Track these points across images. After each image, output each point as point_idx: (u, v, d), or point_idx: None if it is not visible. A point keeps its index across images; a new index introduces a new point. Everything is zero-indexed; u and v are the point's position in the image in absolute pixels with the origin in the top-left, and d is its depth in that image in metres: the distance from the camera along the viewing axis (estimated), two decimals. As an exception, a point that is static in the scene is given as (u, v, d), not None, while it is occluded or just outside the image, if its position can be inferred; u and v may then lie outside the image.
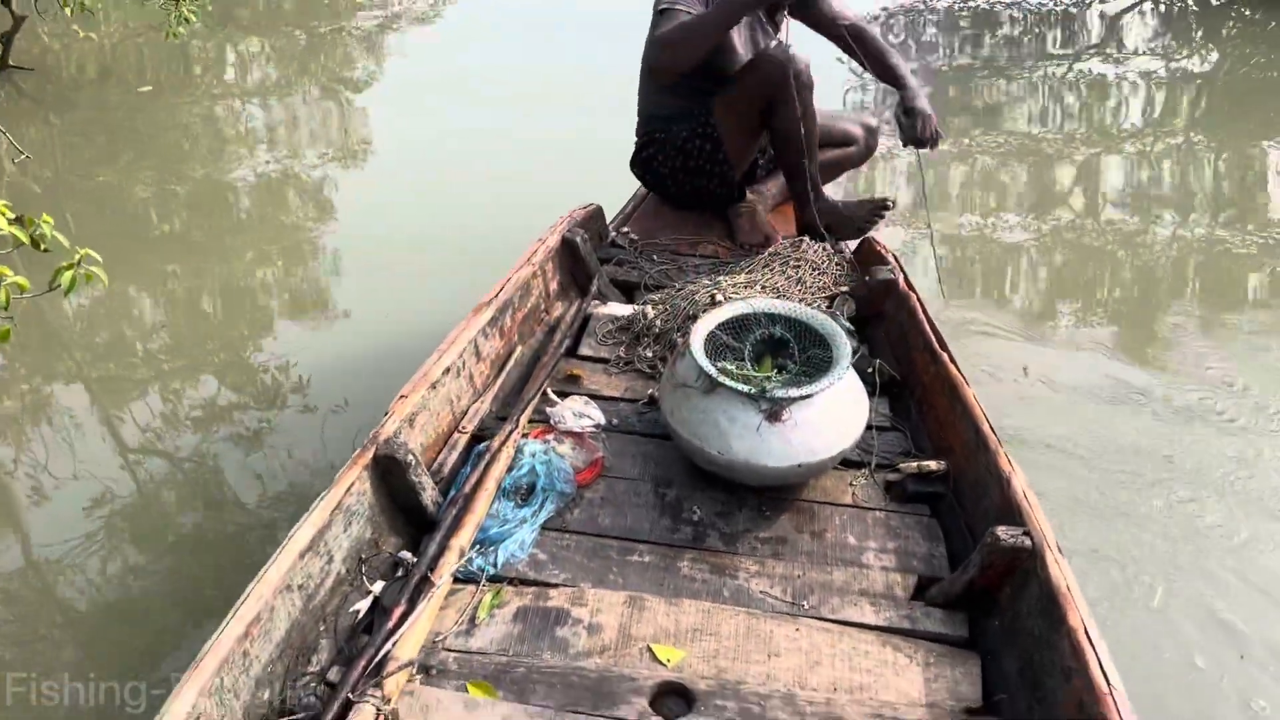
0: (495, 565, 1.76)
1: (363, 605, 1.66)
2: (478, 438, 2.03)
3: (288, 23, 6.52)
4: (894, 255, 2.61)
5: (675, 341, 2.31)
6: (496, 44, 6.09)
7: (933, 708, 1.55)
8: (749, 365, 1.98)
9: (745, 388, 1.85)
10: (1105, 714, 1.33)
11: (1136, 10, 5.68)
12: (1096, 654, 1.41)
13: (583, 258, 2.58)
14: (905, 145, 2.63)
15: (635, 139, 2.95)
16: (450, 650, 1.61)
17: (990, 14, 5.60)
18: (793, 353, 2.01)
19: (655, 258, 2.78)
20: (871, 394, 2.09)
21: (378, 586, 1.70)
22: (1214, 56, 5.23)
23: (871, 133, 3.04)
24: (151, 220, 4.09)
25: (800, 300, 2.41)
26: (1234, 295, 3.39)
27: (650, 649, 1.63)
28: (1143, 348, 3.15)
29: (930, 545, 1.88)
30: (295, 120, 5.17)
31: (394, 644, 1.55)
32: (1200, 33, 5.60)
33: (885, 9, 5.38)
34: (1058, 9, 5.73)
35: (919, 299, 2.38)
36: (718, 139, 2.74)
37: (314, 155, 4.73)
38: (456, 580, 1.72)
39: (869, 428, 2.08)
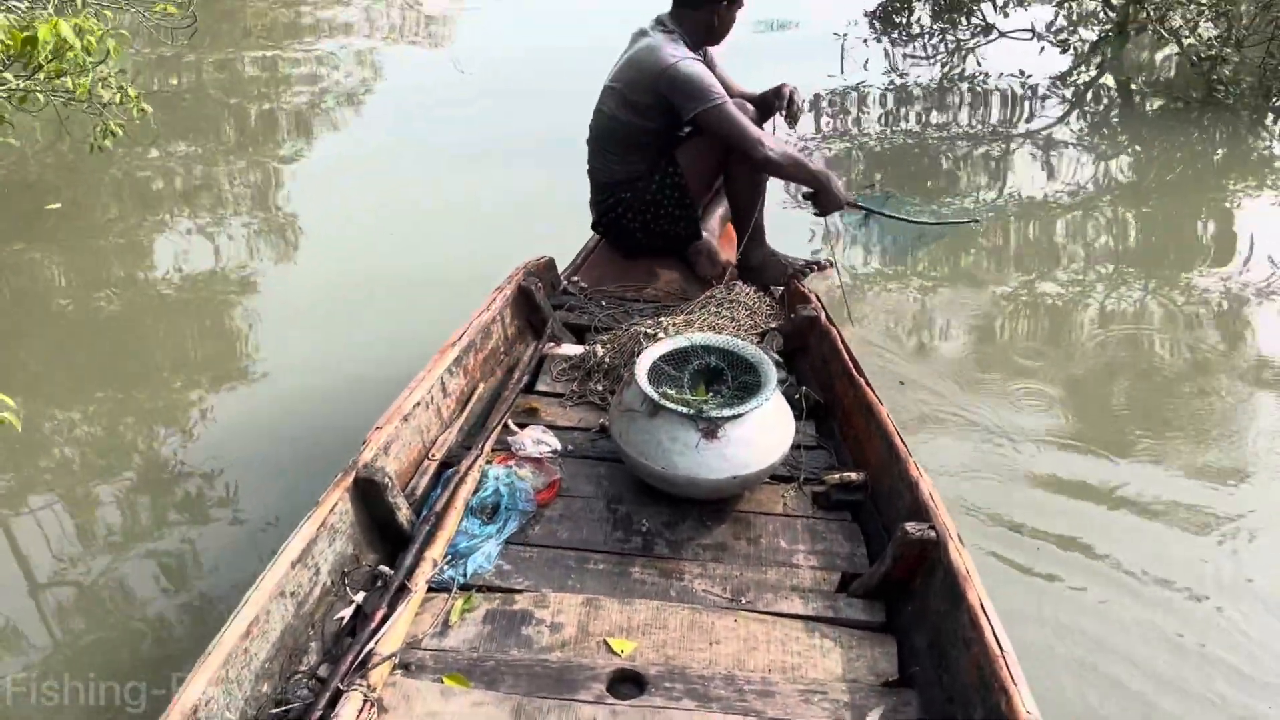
0: (465, 575, 1.98)
1: (346, 612, 1.88)
2: (446, 464, 2.27)
3: (212, 111, 6.24)
4: (816, 296, 2.91)
5: (623, 375, 2.57)
6: (436, 116, 6.20)
7: (855, 682, 1.79)
8: (688, 391, 2.24)
9: (684, 409, 2.11)
10: (998, 673, 1.58)
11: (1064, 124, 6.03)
12: (991, 624, 1.67)
13: (537, 304, 2.84)
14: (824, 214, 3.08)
15: (595, 207, 3.25)
16: (427, 649, 1.83)
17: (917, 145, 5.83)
18: (726, 379, 2.28)
19: (604, 303, 3.05)
20: (799, 416, 2.37)
21: (360, 596, 1.91)
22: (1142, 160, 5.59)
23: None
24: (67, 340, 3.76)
25: (734, 335, 2.69)
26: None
27: (606, 642, 1.86)
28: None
29: (852, 545, 2.14)
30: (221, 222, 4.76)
31: (377, 642, 1.77)
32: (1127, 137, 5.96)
33: (820, 131, 5.75)
34: (985, 131, 6.00)
35: (839, 333, 2.67)
36: (684, 185, 3.06)
37: (240, 232, 4.64)
38: (431, 589, 1.94)
39: (797, 446, 2.35)
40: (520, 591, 1.97)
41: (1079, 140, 5.83)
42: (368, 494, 2.00)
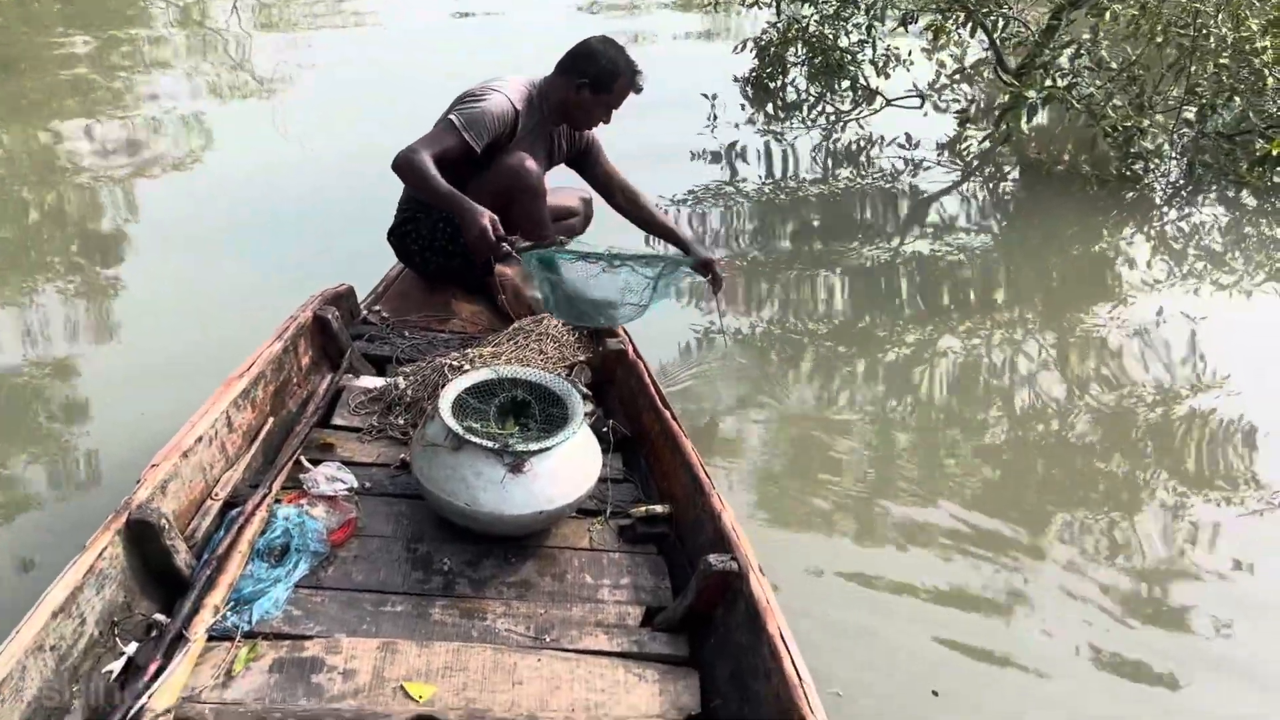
0: (250, 621, 1.92)
1: (116, 665, 1.79)
2: (231, 504, 2.19)
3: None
4: (623, 329, 3.00)
5: (426, 409, 2.56)
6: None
7: (658, 718, 1.85)
8: (494, 424, 2.26)
9: (490, 443, 2.14)
10: (797, 703, 1.67)
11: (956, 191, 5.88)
12: (790, 654, 1.76)
13: (334, 333, 2.80)
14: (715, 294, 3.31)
15: (396, 213, 3.23)
16: (206, 703, 1.76)
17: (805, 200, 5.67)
18: (534, 413, 2.32)
19: (407, 333, 3.04)
20: (606, 449, 2.43)
21: (131, 647, 1.82)
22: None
23: (587, 203, 3.52)
24: None
25: (542, 368, 2.73)
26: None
27: (403, 687, 1.85)
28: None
29: (657, 579, 2.22)
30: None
31: (150, 696, 1.69)
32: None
33: (691, 192, 5.67)
34: (872, 187, 5.89)
35: (646, 366, 2.76)
36: (456, 232, 3.07)
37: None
38: (211, 637, 1.88)
39: (604, 480, 2.41)
40: (310, 637, 1.93)
41: (967, 214, 5.72)
42: (142, 537, 1.91)
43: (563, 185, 3.45)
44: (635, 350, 2.85)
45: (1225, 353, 4.11)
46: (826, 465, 3.31)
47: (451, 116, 2.95)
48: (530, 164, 3.01)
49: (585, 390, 2.72)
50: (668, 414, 2.53)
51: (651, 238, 3.72)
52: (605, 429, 2.59)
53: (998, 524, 3.04)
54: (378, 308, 3.18)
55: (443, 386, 2.52)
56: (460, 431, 2.15)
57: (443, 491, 2.15)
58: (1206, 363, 4.10)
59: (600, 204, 3.48)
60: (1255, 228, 5.52)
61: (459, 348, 2.91)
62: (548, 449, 2.16)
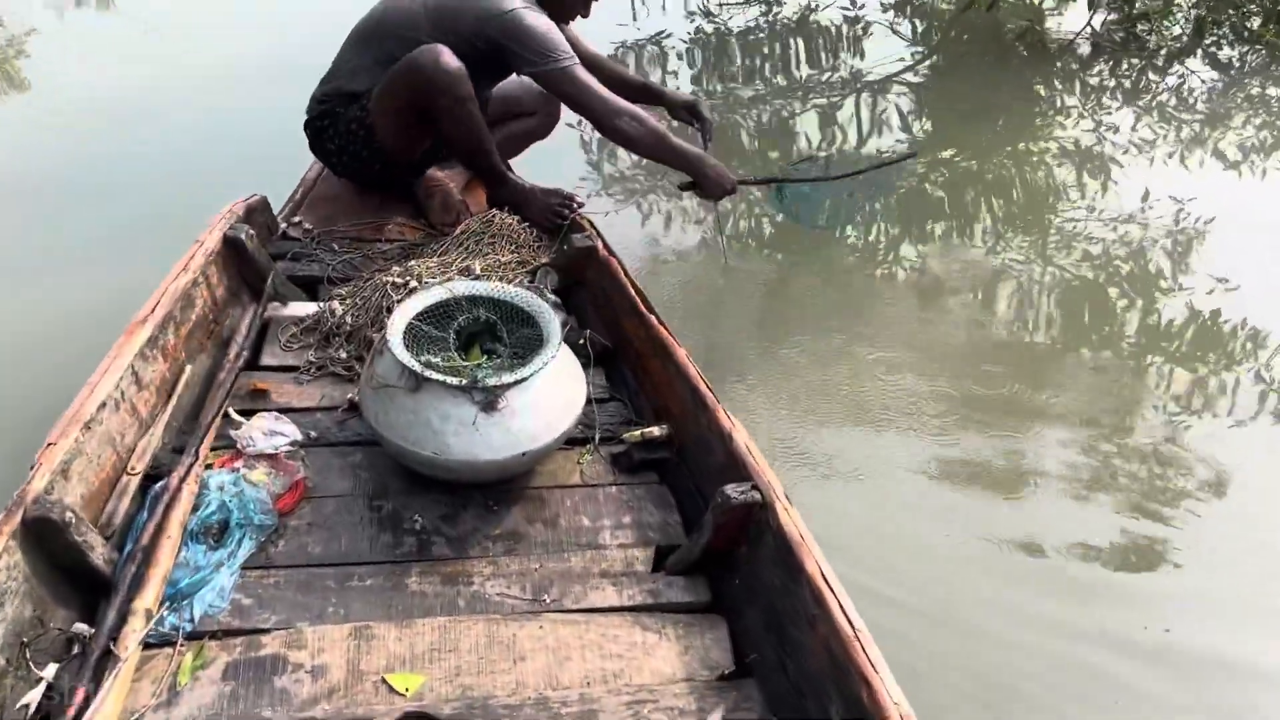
0: (192, 621, 1.64)
1: (33, 696, 1.49)
2: (151, 477, 1.87)
3: None
4: (590, 222, 2.67)
5: (371, 338, 2.24)
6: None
7: (688, 682, 1.62)
8: (456, 355, 1.95)
9: (455, 380, 1.83)
10: (854, 658, 1.43)
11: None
12: (838, 599, 1.51)
13: (251, 256, 2.43)
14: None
15: (311, 100, 2.82)
16: (151, 727, 1.48)
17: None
18: (501, 336, 2.01)
19: (336, 247, 2.67)
20: (586, 365, 2.14)
21: (50, 670, 1.53)
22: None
23: (550, 100, 3.06)
24: None
25: (500, 279, 2.41)
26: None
27: (385, 680, 1.59)
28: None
29: (664, 513, 1.96)
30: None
31: (80, 732, 1.41)
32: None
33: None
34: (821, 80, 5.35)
35: (620, 264, 2.44)
36: (370, 128, 2.68)
37: None
38: (148, 646, 1.59)
39: (588, 401, 2.13)
40: (267, 631, 1.65)
41: (928, 85, 5.36)
42: (44, 535, 1.59)
43: (521, 84, 3.02)
44: (606, 246, 2.53)
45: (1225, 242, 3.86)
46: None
47: (564, 59, 2.57)
48: (448, 60, 2.53)
49: (554, 299, 2.41)
50: (653, 318, 2.23)
51: None
52: (581, 340, 2.29)
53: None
54: (298, 219, 2.80)
55: (388, 310, 2.21)
56: (418, 369, 1.83)
57: (404, 440, 1.85)
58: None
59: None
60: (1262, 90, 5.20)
61: (400, 259, 2.57)
62: (524, 379, 1.85)
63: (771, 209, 3.40)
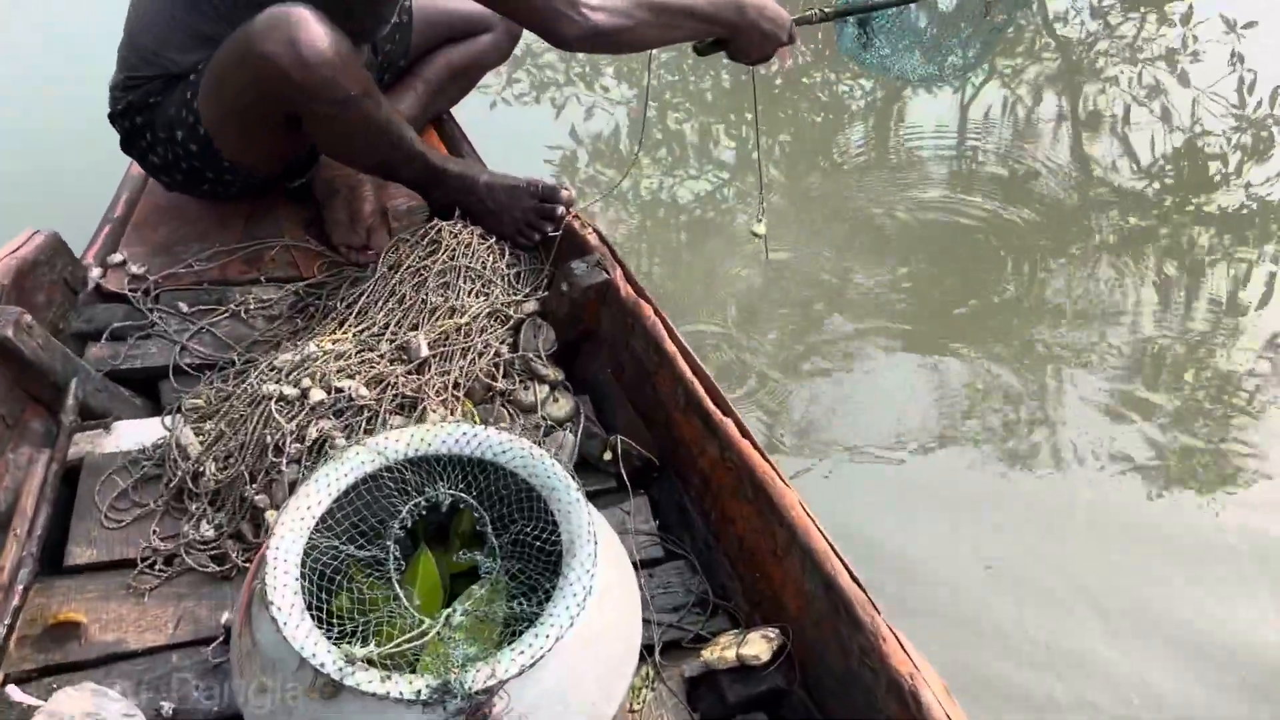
0: None
1: None
2: None
3: None
4: (599, 233, 1.70)
5: (255, 504, 1.33)
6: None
7: None
8: (405, 602, 1.05)
9: (408, 690, 0.94)
10: None
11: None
12: None
13: (31, 361, 1.46)
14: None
15: (112, 85, 1.77)
16: None
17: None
18: (485, 534, 1.11)
19: (185, 306, 1.69)
20: (617, 494, 1.32)
21: None
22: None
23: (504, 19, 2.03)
24: None
25: (465, 353, 1.47)
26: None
27: None
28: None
29: None
30: None
31: None
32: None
33: None
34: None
35: (654, 306, 1.52)
36: (206, 136, 1.68)
37: None
38: None
39: (633, 565, 1.26)
40: None
41: None
42: None
43: None
44: (628, 274, 1.60)
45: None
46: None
47: None
48: (312, 37, 1.49)
49: (551, 372, 1.51)
50: (725, 421, 1.34)
51: None
52: (604, 453, 1.41)
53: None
54: (119, 258, 1.79)
55: (276, 449, 1.31)
56: (332, 671, 0.94)
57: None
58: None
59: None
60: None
61: (290, 321, 1.63)
62: (539, 659, 0.97)
63: (847, 56, 2.18)
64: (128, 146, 1.77)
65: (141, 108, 1.69)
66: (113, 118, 1.75)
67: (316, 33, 1.47)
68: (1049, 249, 2.62)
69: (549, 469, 1.11)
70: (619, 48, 1.67)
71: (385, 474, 1.11)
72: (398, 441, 1.13)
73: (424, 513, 1.11)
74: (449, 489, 1.12)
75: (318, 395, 1.36)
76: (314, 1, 1.51)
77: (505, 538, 1.12)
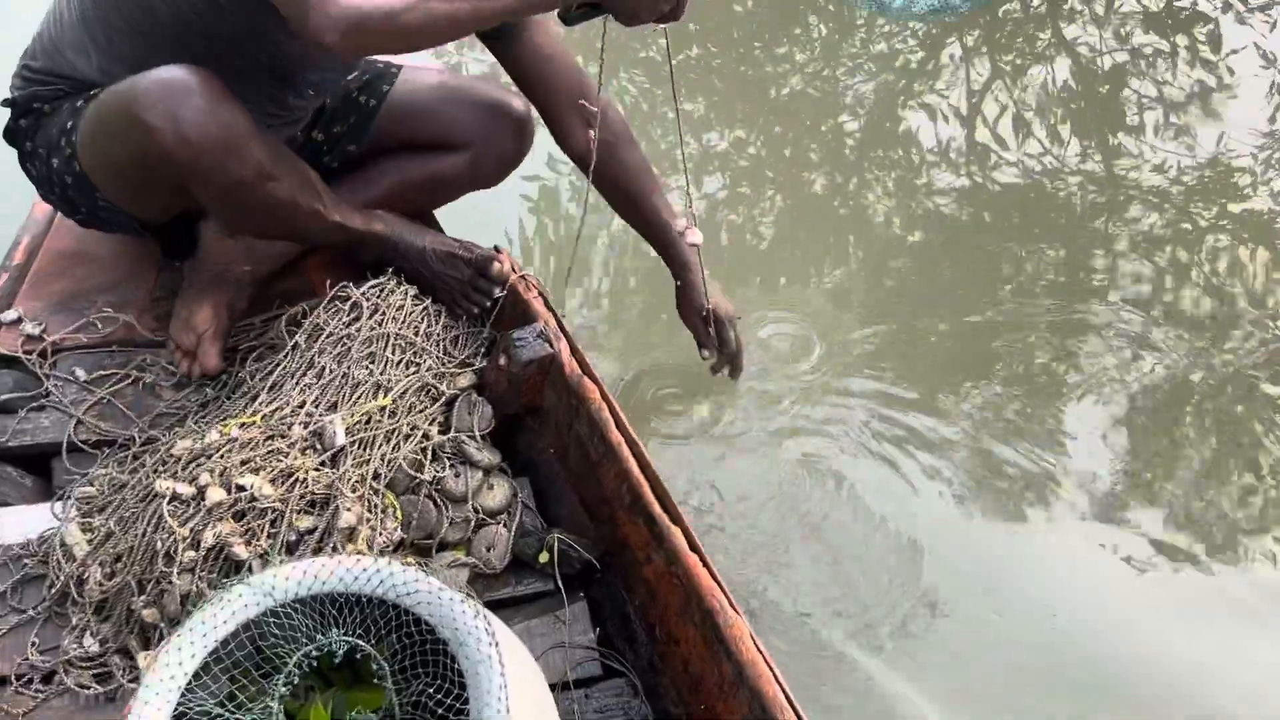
0: None
1: None
2: None
3: None
4: (544, 295, 1.56)
5: (142, 618, 1.20)
6: None
7: None
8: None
9: None
10: None
11: None
12: None
13: None
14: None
15: (20, 75, 1.55)
16: None
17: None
18: (383, 674, 0.98)
19: (81, 373, 1.54)
20: (553, 597, 1.28)
21: None
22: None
23: (498, 118, 1.67)
24: None
25: (390, 436, 1.34)
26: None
27: None
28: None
29: None
30: None
31: None
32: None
33: None
34: None
35: (600, 386, 1.39)
36: (83, 175, 1.48)
37: None
38: None
39: (566, 686, 1.15)
40: None
41: None
42: None
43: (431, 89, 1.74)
44: (574, 347, 1.46)
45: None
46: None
47: None
48: (198, 116, 1.29)
49: (486, 456, 1.38)
50: (672, 528, 1.22)
51: None
52: (541, 553, 1.29)
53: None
54: (14, 315, 1.61)
55: (166, 556, 1.19)
56: None
57: None
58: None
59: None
60: None
61: (202, 388, 1.50)
62: None
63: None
64: (10, 139, 1.57)
65: (27, 110, 1.51)
66: (5, 102, 1.55)
67: (204, 109, 1.29)
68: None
69: (458, 616, 0.98)
70: (407, 37, 1.21)
71: (271, 618, 0.99)
72: (287, 579, 1.00)
73: (314, 663, 0.99)
74: (343, 634, 0.99)
75: (216, 495, 1.22)
76: (228, 64, 1.34)
77: (413, 689, 1.00)
